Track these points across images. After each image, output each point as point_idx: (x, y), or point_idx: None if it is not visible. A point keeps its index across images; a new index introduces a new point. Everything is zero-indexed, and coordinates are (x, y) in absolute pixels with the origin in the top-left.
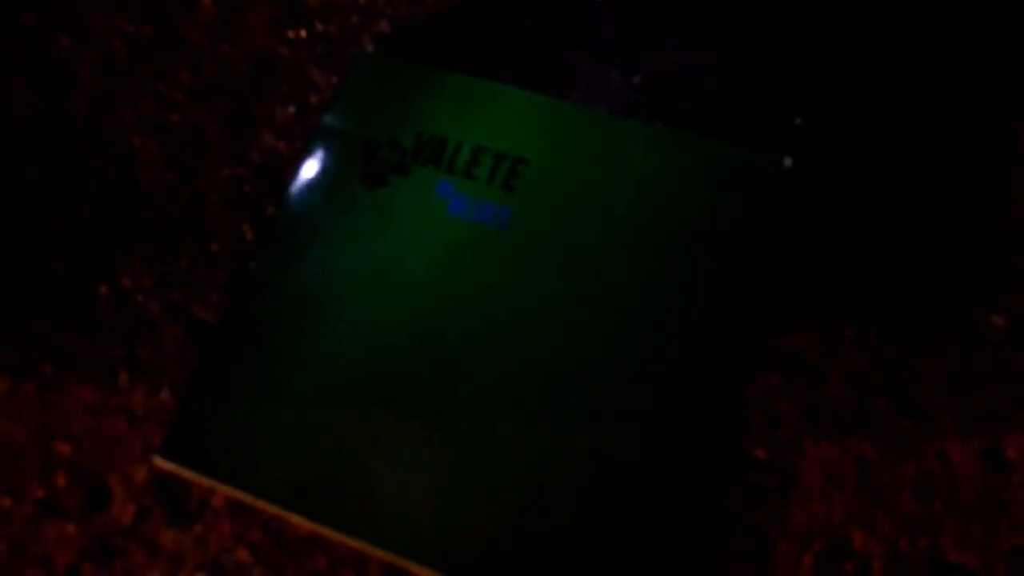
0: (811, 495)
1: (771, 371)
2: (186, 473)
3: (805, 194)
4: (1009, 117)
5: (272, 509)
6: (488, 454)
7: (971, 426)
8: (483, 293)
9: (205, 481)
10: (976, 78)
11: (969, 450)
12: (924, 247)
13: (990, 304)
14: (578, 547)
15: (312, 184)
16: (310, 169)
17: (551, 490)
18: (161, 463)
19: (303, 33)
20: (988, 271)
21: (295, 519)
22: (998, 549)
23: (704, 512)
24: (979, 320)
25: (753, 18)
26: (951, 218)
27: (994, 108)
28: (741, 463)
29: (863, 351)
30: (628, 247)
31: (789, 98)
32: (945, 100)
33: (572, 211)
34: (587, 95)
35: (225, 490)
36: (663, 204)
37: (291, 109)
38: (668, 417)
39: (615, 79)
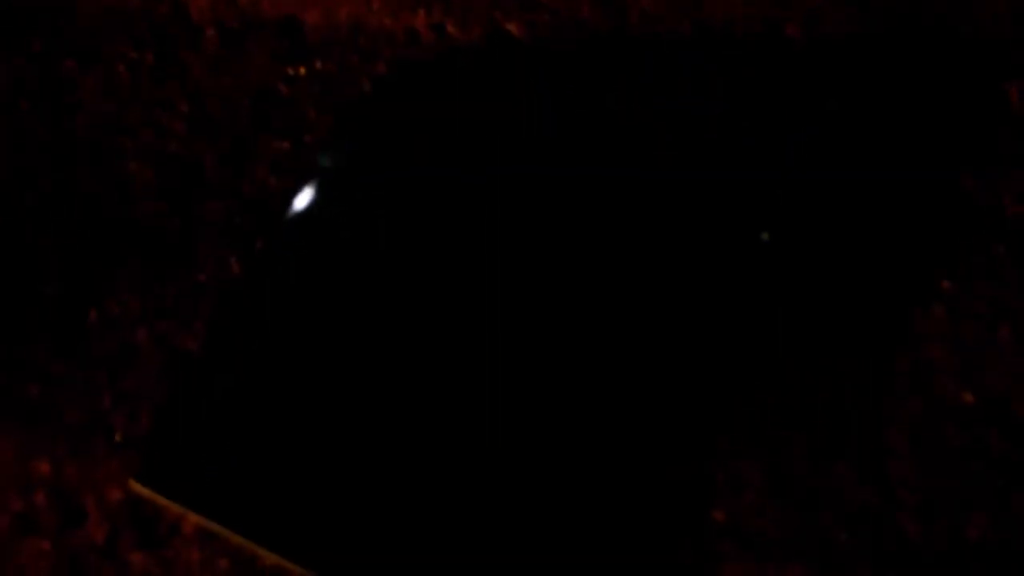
0: (768, 559)
1: (735, 434)
2: (160, 499)
3: (783, 264)
4: (976, 190)
5: (239, 541)
6: (455, 500)
7: (934, 503)
8: (456, 336)
9: (177, 508)
10: (946, 148)
11: (932, 527)
12: (897, 322)
13: (962, 380)
14: None
15: (298, 221)
16: (300, 206)
17: (517, 542)
18: (136, 488)
19: (302, 70)
20: (961, 346)
21: (260, 551)
22: None
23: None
24: (950, 395)
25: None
26: (925, 293)
27: (961, 180)
28: (701, 523)
29: (829, 419)
30: (621, 303)
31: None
32: (915, 177)
33: (553, 263)
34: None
35: (195, 518)
36: (642, 267)
37: (286, 145)
38: (640, 460)
39: (605, 136)
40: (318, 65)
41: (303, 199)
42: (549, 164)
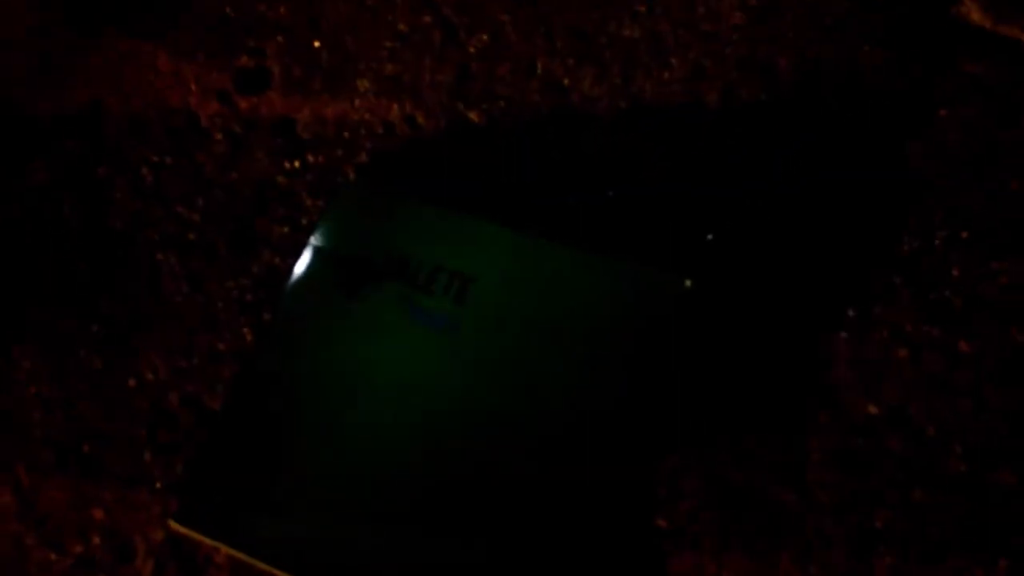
0: (705, 560)
1: (674, 450)
2: (195, 535)
3: (705, 309)
4: (870, 224)
5: (264, 567)
6: (458, 534)
7: (846, 501)
8: (436, 385)
9: (210, 543)
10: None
11: (844, 521)
12: (806, 346)
13: (866, 394)
14: None
15: (299, 294)
16: (297, 281)
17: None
18: (175, 527)
19: (297, 163)
20: (863, 366)
21: (282, 575)
22: None
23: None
24: (855, 409)
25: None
26: (830, 321)
27: (860, 213)
28: (648, 534)
29: (753, 432)
30: (553, 351)
31: (696, 222)
32: (826, 230)
33: (509, 321)
34: (533, 219)
35: (227, 550)
36: (583, 317)
37: (286, 229)
38: (585, 494)
39: (556, 208)
40: (310, 158)
41: (300, 274)
42: (517, 227)
